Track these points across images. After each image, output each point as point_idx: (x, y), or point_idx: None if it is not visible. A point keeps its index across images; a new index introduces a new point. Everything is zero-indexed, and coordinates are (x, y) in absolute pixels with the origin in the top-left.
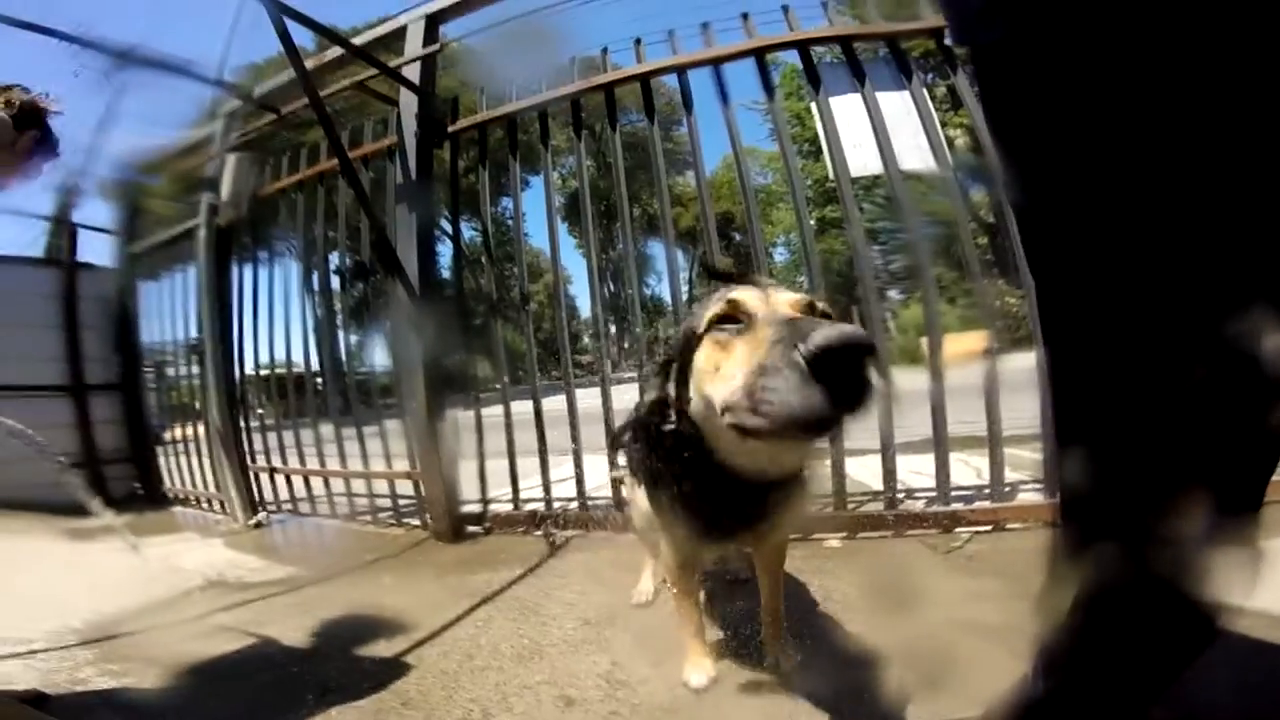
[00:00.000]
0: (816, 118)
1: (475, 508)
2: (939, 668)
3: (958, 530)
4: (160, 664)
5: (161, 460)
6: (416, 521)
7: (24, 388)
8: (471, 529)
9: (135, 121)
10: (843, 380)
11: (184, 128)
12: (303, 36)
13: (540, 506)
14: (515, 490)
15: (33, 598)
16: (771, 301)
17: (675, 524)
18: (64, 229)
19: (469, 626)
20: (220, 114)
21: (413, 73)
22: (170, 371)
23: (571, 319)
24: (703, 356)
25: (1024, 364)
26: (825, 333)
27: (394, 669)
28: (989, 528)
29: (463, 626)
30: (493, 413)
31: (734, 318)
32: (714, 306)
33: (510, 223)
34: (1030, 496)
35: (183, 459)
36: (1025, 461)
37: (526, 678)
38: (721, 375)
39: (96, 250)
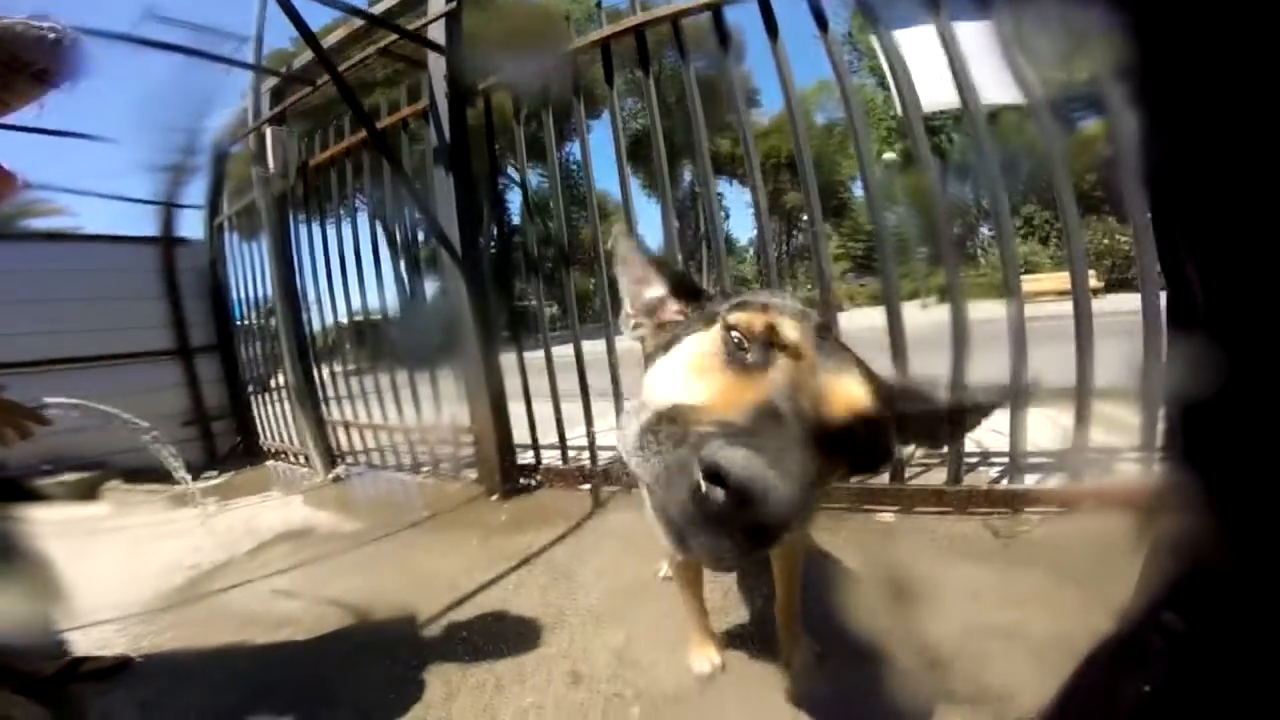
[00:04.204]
0: (879, 52)
1: (530, 459)
2: (960, 675)
3: (1027, 511)
4: (233, 622)
5: (258, 416)
6: (475, 474)
7: (138, 354)
8: (524, 482)
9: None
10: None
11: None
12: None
13: (587, 459)
14: (563, 443)
15: (135, 564)
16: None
17: None
18: (165, 208)
19: (501, 590)
20: (263, 90)
21: (440, 35)
22: (259, 329)
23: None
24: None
25: (1127, 306)
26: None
27: (421, 633)
28: (1062, 510)
29: (495, 590)
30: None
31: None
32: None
33: (573, 169)
34: (1121, 471)
35: (275, 415)
36: (1122, 424)
37: (544, 649)
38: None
39: (190, 225)
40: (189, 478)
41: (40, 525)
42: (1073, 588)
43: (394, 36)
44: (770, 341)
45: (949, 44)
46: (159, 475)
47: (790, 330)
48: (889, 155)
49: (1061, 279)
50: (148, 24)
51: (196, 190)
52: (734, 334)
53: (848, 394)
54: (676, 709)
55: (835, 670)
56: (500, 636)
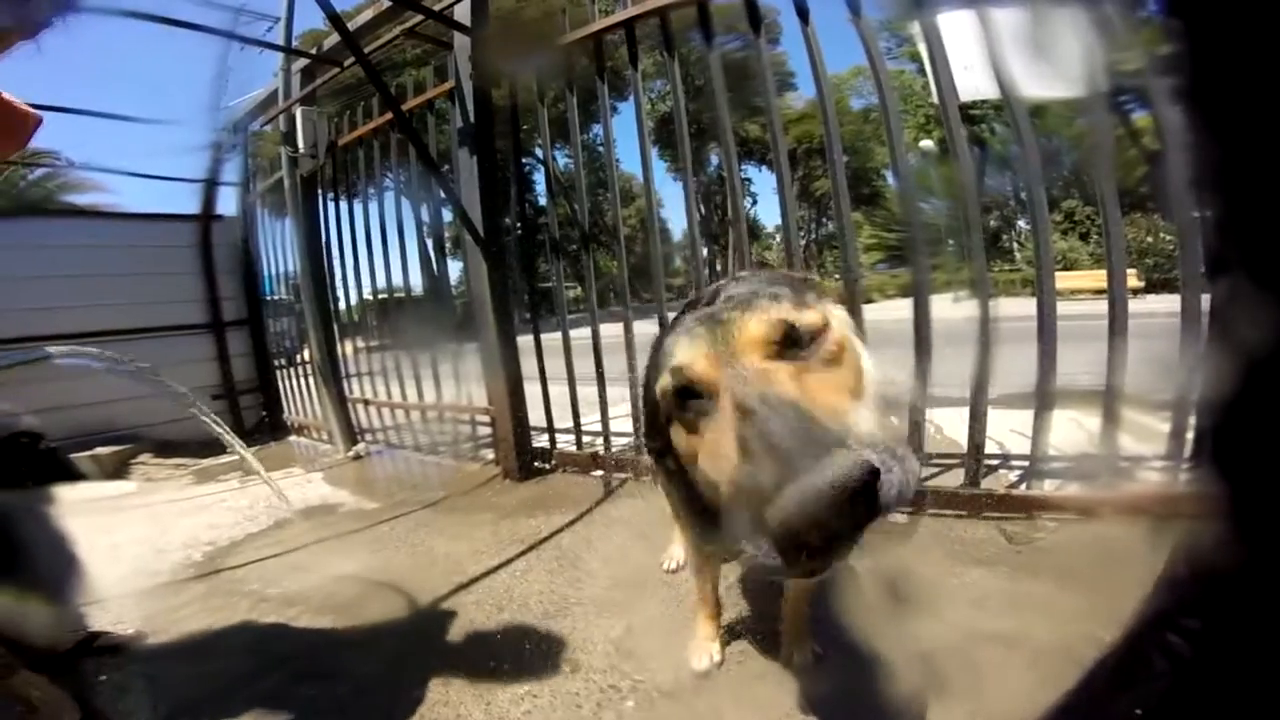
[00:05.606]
0: (918, 38)
1: (546, 444)
2: (957, 681)
3: (1044, 517)
4: (246, 599)
5: (283, 390)
6: (492, 455)
7: (172, 328)
8: (539, 465)
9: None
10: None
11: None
12: None
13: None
14: (578, 428)
15: (155, 540)
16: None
17: (687, 520)
18: (202, 185)
19: (508, 575)
20: (293, 70)
21: (465, 15)
22: (287, 305)
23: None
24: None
25: (1165, 308)
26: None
27: (429, 616)
28: (1080, 517)
29: (502, 575)
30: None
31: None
32: (665, 376)
33: (600, 149)
34: (1142, 479)
35: (300, 390)
36: (1149, 430)
37: (545, 636)
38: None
39: (225, 202)
40: (236, 438)
41: (67, 505)
42: (1080, 597)
43: (420, 17)
44: (715, 391)
45: (990, 31)
46: (190, 449)
47: (720, 367)
48: (926, 143)
49: (1099, 276)
50: (181, 4)
51: (230, 168)
52: (689, 400)
53: (828, 389)
54: (671, 705)
55: (834, 671)
56: (503, 622)
